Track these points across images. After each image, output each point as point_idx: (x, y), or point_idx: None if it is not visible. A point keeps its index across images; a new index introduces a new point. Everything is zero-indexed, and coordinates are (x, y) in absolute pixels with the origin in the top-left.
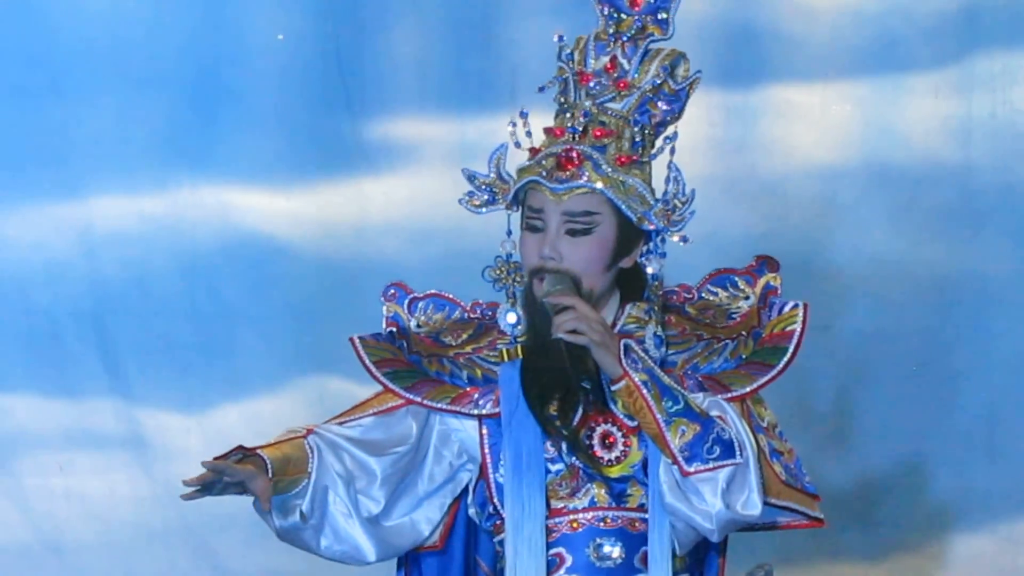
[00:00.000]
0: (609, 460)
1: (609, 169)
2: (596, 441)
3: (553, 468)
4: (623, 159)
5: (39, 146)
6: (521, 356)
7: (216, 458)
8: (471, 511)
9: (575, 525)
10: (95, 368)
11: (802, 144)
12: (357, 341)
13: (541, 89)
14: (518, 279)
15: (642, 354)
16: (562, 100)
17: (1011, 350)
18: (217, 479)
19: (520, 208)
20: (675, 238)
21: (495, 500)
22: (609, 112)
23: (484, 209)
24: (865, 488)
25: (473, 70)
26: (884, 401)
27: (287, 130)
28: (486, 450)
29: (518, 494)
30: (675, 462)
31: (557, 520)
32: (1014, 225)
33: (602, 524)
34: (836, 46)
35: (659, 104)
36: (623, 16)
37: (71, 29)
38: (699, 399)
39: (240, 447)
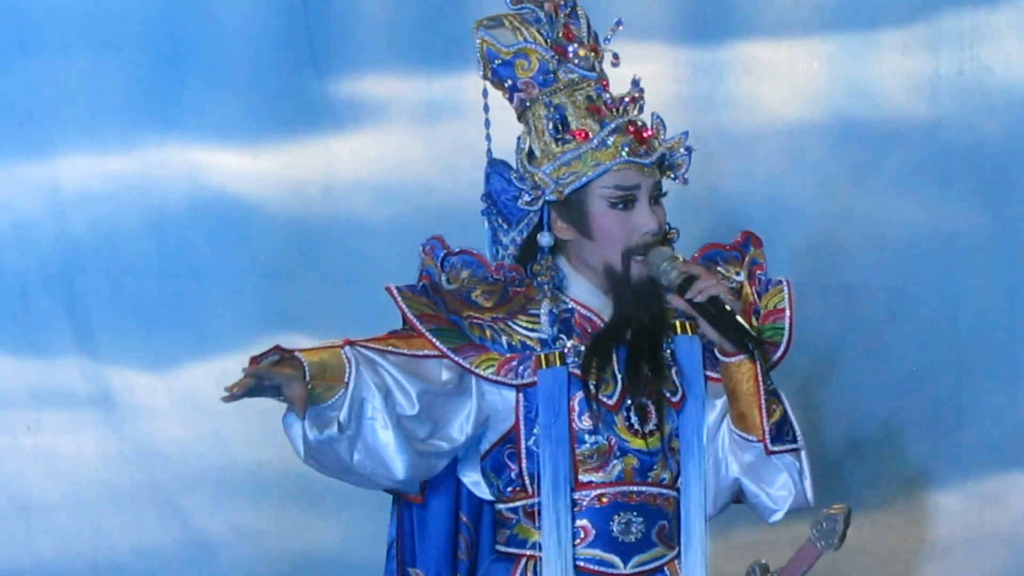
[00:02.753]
0: (644, 433)
1: None
2: (633, 414)
3: (590, 440)
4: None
5: (6, 106)
6: (560, 363)
7: (253, 359)
8: (469, 477)
9: (603, 500)
10: (63, 327)
11: (769, 101)
12: (396, 292)
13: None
14: (555, 273)
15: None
16: (548, 78)
17: (978, 307)
18: (256, 384)
19: (563, 196)
20: (681, 182)
21: (524, 466)
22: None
23: (537, 204)
24: (840, 448)
25: (441, 28)
26: (853, 359)
27: (255, 89)
28: (520, 416)
29: (553, 513)
30: (762, 440)
31: (584, 494)
32: (981, 182)
33: (626, 499)
34: (804, 2)
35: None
36: None
37: None
38: None
39: (278, 347)
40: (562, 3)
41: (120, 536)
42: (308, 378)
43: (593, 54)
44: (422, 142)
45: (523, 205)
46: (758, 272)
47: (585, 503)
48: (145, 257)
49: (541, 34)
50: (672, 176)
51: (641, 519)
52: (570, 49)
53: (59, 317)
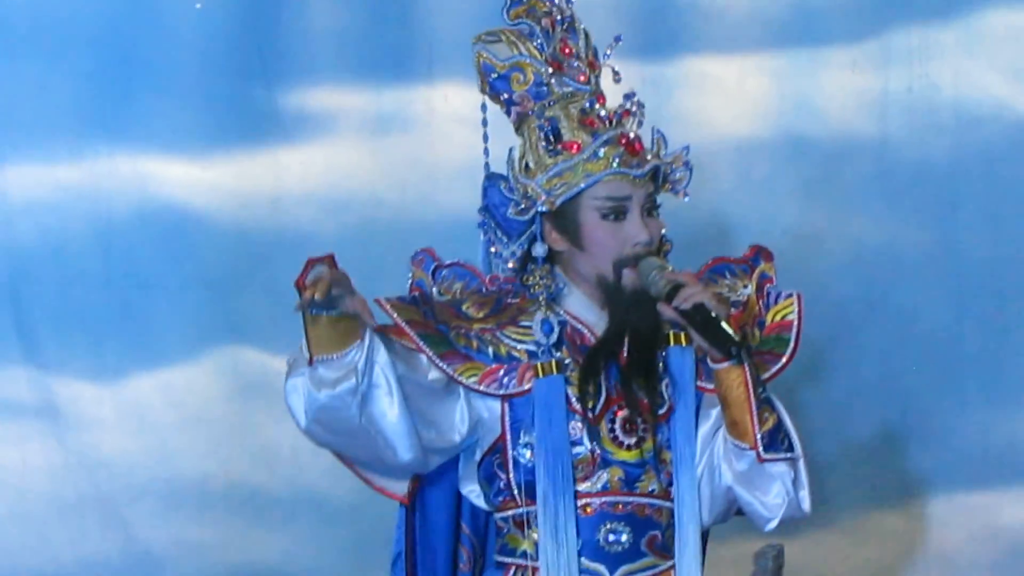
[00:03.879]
0: (628, 445)
1: None
2: (617, 426)
3: (574, 451)
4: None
5: None
6: (556, 371)
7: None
8: (469, 489)
9: (588, 510)
10: (9, 337)
11: (718, 116)
12: (385, 301)
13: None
14: (549, 283)
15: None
16: (542, 91)
17: (925, 325)
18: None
19: (555, 207)
20: (683, 196)
21: (511, 476)
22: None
23: (528, 214)
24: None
25: (390, 40)
26: (793, 376)
27: (204, 99)
28: (506, 427)
29: (553, 520)
30: (754, 447)
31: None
32: (929, 200)
33: (613, 509)
34: (753, 18)
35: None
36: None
37: None
38: None
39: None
40: (559, 18)
41: (65, 547)
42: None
43: (590, 68)
44: (371, 154)
45: (513, 215)
46: (767, 285)
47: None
48: (92, 267)
49: (537, 48)
50: (672, 190)
51: (628, 529)
52: (566, 63)
53: (5, 326)
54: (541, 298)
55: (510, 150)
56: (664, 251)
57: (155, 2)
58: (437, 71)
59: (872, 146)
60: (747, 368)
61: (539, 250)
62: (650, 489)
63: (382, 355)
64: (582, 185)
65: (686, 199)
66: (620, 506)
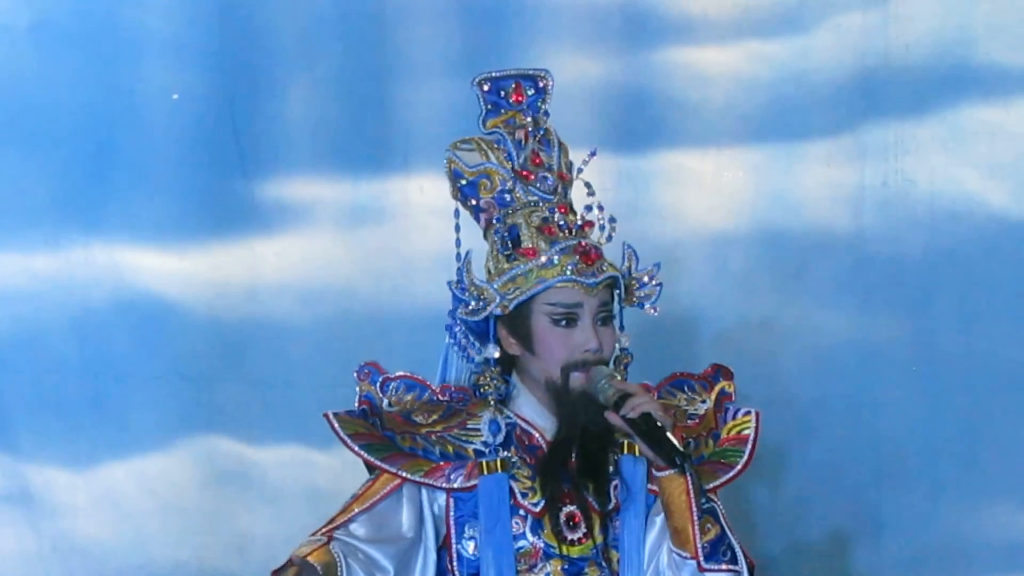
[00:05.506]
0: (572, 540)
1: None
2: (562, 520)
3: (517, 544)
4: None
5: None
6: (501, 470)
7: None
8: None
9: None
10: None
11: (694, 210)
12: (332, 416)
13: (592, 193)
14: (499, 384)
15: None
16: (507, 199)
17: (898, 422)
18: None
19: (508, 311)
20: (652, 311)
21: (455, 569)
22: (571, 204)
23: (478, 317)
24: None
25: (367, 132)
26: (769, 470)
27: (180, 190)
28: (451, 521)
29: None
30: (695, 556)
31: None
32: (902, 296)
33: None
34: (729, 112)
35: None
36: (507, 111)
37: None
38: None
39: (291, 560)
40: (532, 130)
41: None
42: None
43: (560, 180)
44: (346, 245)
45: (463, 315)
46: (726, 402)
47: None
48: (68, 356)
49: (506, 157)
50: (638, 305)
51: None
52: (536, 173)
53: None
54: (491, 398)
55: (466, 252)
56: (624, 363)
57: (132, 93)
58: (413, 163)
59: (847, 240)
60: (689, 478)
61: (489, 351)
62: None
63: None
64: (534, 290)
65: (655, 313)
66: None
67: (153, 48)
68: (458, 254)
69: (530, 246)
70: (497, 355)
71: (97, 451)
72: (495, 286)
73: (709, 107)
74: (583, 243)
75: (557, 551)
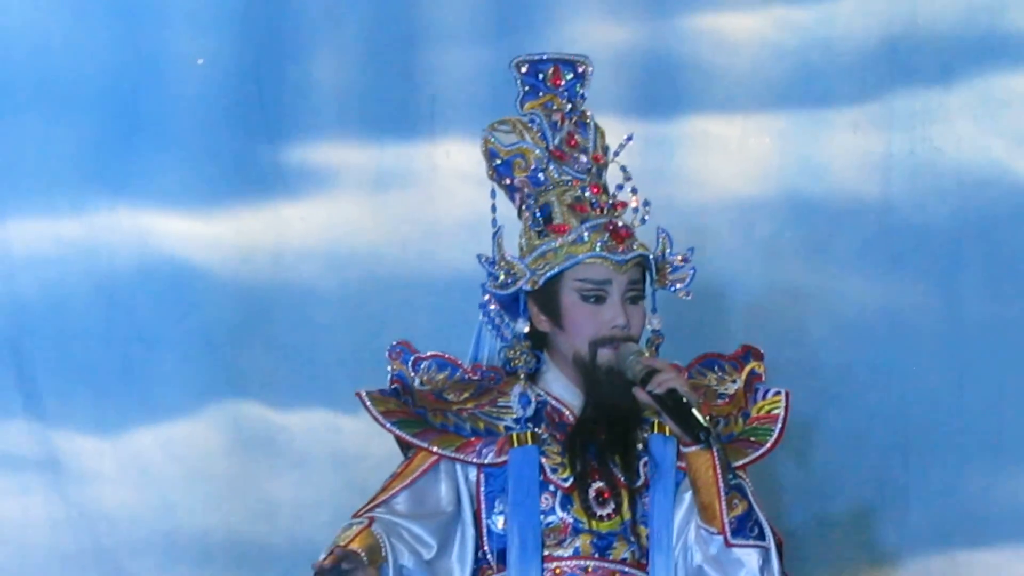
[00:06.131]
0: (601, 516)
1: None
2: (592, 496)
3: (545, 520)
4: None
5: None
6: (531, 442)
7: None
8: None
9: (558, 572)
10: (10, 390)
11: (720, 176)
12: (364, 395)
13: (628, 177)
14: (529, 359)
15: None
16: (541, 178)
17: (923, 388)
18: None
19: (538, 286)
20: (684, 295)
21: (485, 545)
22: (605, 185)
23: (507, 291)
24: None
25: (392, 96)
26: (795, 439)
27: (206, 154)
28: (481, 496)
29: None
30: (722, 532)
31: (543, 566)
32: (930, 263)
33: (583, 573)
34: (756, 79)
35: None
36: (545, 94)
37: None
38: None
39: (336, 549)
40: (568, 111)
41: None
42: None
43: (594, 161)
44: (372, 210)
45: (492, 288)
46: (756, 382)
47: None
48: (94, 321)
49: (540, 137)
50: (671, 287)
51: None
52: (570, 154)
53: (7, 380)
54: (520, 372)
55: (498, 228)
56: (656, 344)
57: (157, 58)
58: (439, 127)
59: (874, 208)
60: (716, 453)
61: (519, 326)
62: (622, 557)
63: (403, 555)
64: (563, 265)
65: (687, 298)
66: (591, 569)
67: (179, 13)
68: (495, 232)
69: (561, 223)
70: (527, 330)
71: (123, 417)
72: (526, 262)
73: (735, 73)
74: (614, 221)
75: (586, 526)
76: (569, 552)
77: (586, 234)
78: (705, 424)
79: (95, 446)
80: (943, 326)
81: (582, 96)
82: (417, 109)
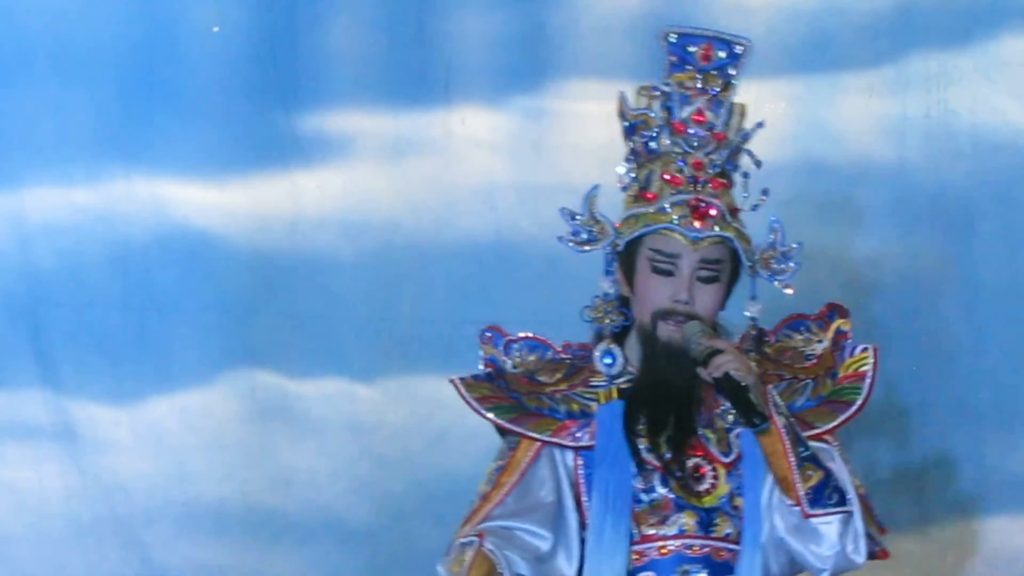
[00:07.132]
0: (699, 492)
1: (730, 219)
2: (688, 473)
3: (647, 498)
4: (734, 209)
5: None
6: (618, 397)
7: None
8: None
9: (664, 551)
10: (26, 359)
11: None
12: (459, 381)
13: (758, 164)
14: (615, 317)
15: (779, 400)
16: (653, 147)
17: (939, 352)
18: None
19: (620, 248)
20: (789, 291)
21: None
22: (715, 163)
23: (587, 248)
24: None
25: (407, 64)
26: None
27: (221, 123)
28: (579, 479)
29: (601, 529)
30: (799, 504)
31: (647, 546)
32: (945, 226)
33: (689, 551)
34: (771, 43)
35: (741, 156)
36: (691, 68)
37: (4, 20)
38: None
39: None
40: (703, 87)
41: (81, 569)
42: None
43: (715, 140)
44: (388, 178)
45: (571, 244)
46: (843, 340)
47: (648, 555)
48: (109, 290)
49: (665, 108)
50: (771, 278)
51: (705, 572)
52: (692, 128)
53: (23, 349)
54: (606, 331)
55: (593, 187)
56: (752, 333)
57: (173, 26)
58: (455, 94)
59: (889, 171)
60: (783, 431)
61: (604, 284)
62: (725, 533)
63: (520, 565)
64: (640, 231)
65: (789, 292)
66: (696, 548)
67: None
68: (590, 191)
69: (654, 191)
70: (610, 290)
71: (139, 386)
72: (612, 223)
73: (749, 37)
74: (699, 198)
75: (688, 502)
76: (674, 531)
77: (668, 206)
78: (760, 409)
79: (111, 415)
80: (958, 288)
81: (732, 78)
82: (432, 76)
